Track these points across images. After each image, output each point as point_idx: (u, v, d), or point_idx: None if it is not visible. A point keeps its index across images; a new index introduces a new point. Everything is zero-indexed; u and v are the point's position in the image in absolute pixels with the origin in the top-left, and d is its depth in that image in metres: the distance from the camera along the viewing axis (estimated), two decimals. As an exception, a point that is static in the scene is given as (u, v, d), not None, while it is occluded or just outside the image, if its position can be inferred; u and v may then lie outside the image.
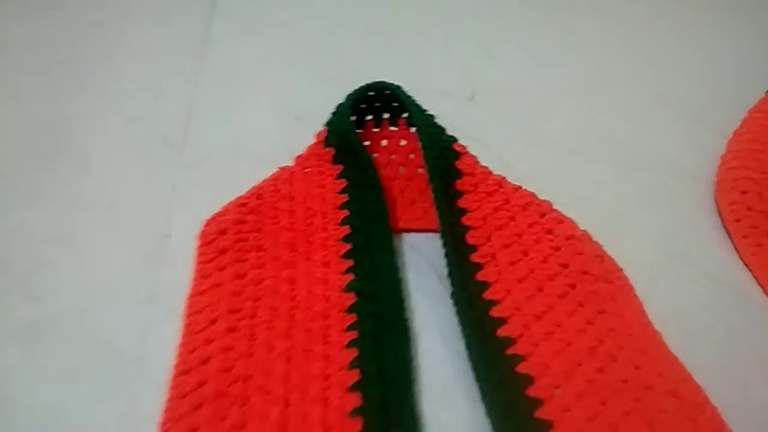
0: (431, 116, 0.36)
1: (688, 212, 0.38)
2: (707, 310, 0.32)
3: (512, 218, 0.34)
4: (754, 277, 0.34)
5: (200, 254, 0.32)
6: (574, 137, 0.44)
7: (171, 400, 0.25)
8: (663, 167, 0.41)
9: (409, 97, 0.36)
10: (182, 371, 0.26)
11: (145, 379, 0.26)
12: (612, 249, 0.33)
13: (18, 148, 0.39)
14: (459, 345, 0.29)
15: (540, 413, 0.26)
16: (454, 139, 0.35)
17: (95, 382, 0.27)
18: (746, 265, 0.35)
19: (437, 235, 0.33)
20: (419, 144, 0.36)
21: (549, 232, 0.33)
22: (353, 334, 0.28)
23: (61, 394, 0.26)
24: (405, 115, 0.37)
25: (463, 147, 0.35)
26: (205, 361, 0.27)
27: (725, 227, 0.37)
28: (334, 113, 0.36)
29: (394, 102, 0.37)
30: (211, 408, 0.25)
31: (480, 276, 0.31)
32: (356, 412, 0.25)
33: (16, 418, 0.25)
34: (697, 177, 0.40)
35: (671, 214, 0.38)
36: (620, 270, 0.33)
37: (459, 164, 0.35)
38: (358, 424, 0.25)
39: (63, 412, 0.26)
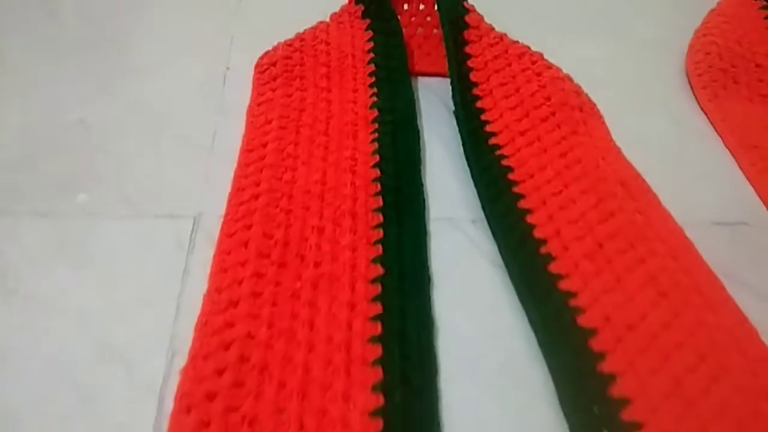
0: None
1: (662, 73, 0.45)
2: (664, 139, 0.40)
3: (509, 64, 0.41)
4: (709, 119, 0.41)
5: (256, 80, 0.40)
6: (571, 15, 0.50)
7: (236, 178, 0.34)
8: (647, 40, 0.48)
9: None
10: (248, 150, 0.35)
11: (217, 158, 0.35)
12: (590, 93, 0.41)
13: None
14: (458, 150, 0.37)
15: (517, 189, 0.34)
16: (464, -1, 0.43)
17: (182, 160, 0.35)
18: (703, 111, 0.42)
19: (447, 79, 0.41)
20: (435, 7, 0.43)
21: (538, 74, 0.41)
22: (376, 135, 0.36)
23: (156, 165, 0.35)
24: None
25: (472, 6, 0.42)
26: (264, 145, 0.35)
27: (689, 82, 0.44)
28: (364, -25, 0.44)
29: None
30: (270, 171, 0.33)
31: (479, 104, 0.39)
32: (376, 180, 0.33)
33: (125, 184, 0.34)
34: (675, 49, 0.47)
35: (647, 73, 0.45)
36: (593, 104, 0.40)
37: (467, 18, 0.42)
38: (377, 186, 0.33)
39: (158, 174, 0.34)
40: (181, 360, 0.25)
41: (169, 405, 0.24)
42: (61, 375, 0.25)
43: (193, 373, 0.24)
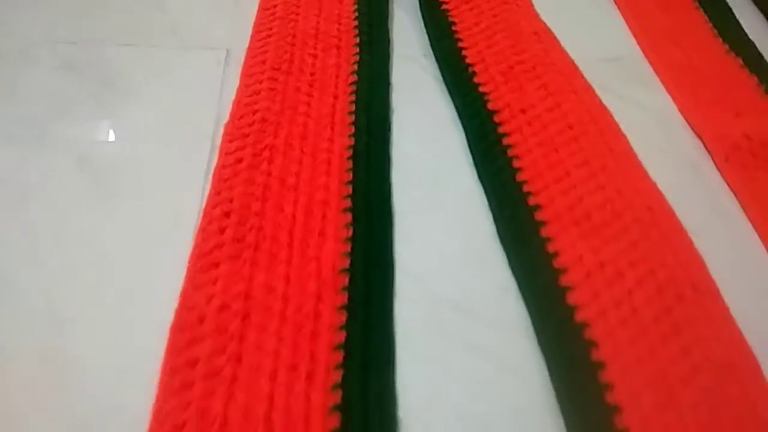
0: None
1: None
2: (575, 11, 0.53)
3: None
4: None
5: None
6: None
7: (255, 25, 0.47)
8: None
9: None
10: (264, 9, 0.48)
11: (240, 12, 0.48)
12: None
13: None
14: (417, 15, 0.50)
15: (457, 35, 0.47)
16: None
17: (215, 12, 0.48)
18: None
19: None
20: None
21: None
22: (356, 6, 0.49)
23: (197, 14, 0.48)
24: None
25: None
26: (275, 6, 0.48)
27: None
28: None
29: None
30: (279, 21, 0.46)
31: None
32: (356, 27, 0.47)
33: (176, 27, 0.47)
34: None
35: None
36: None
37: None
38: (356, 31, 0.46)
39: (199, 19, 0.47)
40: (222, 122, 0.38)
41: (217, 142, 0.37)
42: (135, 134, 0.39)
43: (232, 125, 0.38)
